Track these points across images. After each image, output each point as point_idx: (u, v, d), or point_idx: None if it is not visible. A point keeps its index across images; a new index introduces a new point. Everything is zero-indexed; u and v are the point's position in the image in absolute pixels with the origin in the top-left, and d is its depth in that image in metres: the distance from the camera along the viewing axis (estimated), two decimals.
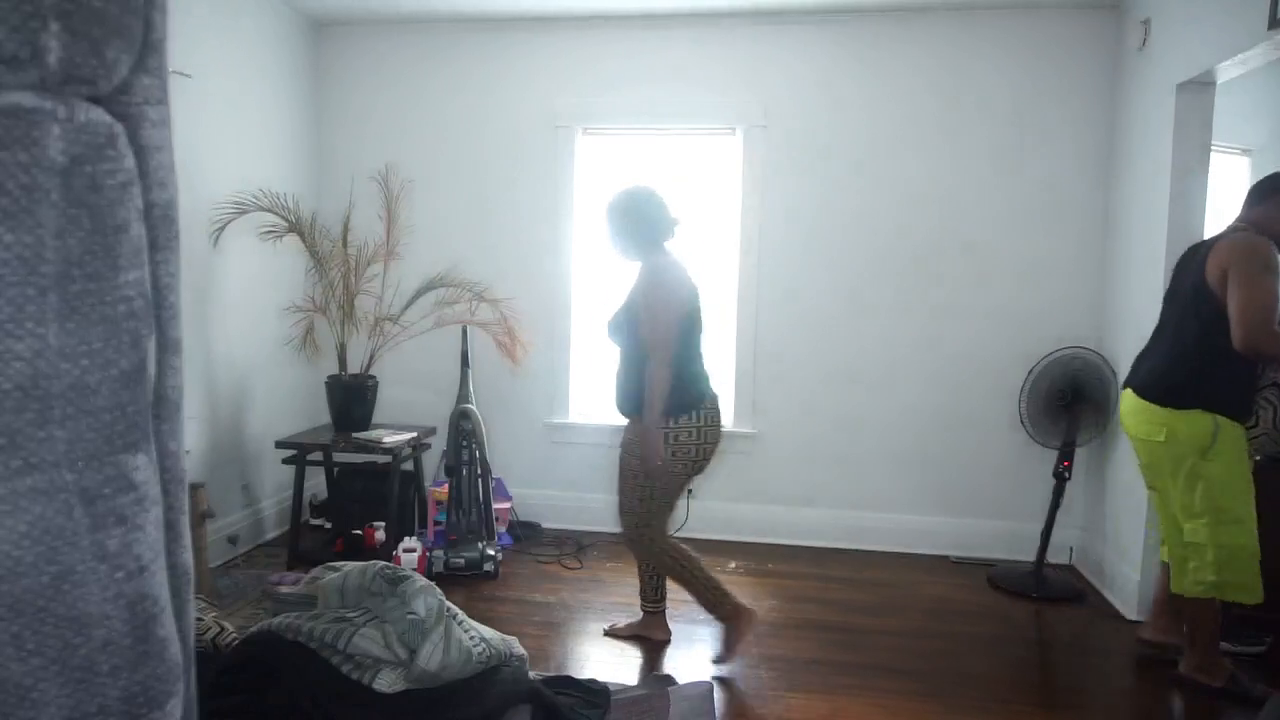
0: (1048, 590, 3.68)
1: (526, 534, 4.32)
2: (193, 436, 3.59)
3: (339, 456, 4.05)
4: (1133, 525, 3.50)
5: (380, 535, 3.96)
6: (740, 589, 3.71)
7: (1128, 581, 3.50)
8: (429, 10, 4.27)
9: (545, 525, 4.42)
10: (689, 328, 2.90)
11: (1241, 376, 2.70)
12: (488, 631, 1.80)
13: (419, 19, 4.38)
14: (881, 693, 2.80)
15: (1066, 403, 3.79)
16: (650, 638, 3.17)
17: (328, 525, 4.34)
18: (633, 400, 2.90)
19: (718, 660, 2.98)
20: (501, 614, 3.37)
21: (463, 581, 3.66)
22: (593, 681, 1.91)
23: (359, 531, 4.03)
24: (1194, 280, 2.74)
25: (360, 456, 3.97)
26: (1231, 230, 2.78)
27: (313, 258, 4.00)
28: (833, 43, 4.16)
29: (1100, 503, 3.89)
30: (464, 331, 4.11)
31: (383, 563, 1.85)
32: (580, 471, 4.47)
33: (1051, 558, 3.84)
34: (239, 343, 3.97)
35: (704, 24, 4.21)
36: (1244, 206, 2.81)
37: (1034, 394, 3.84)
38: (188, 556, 0.60)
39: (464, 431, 3.90)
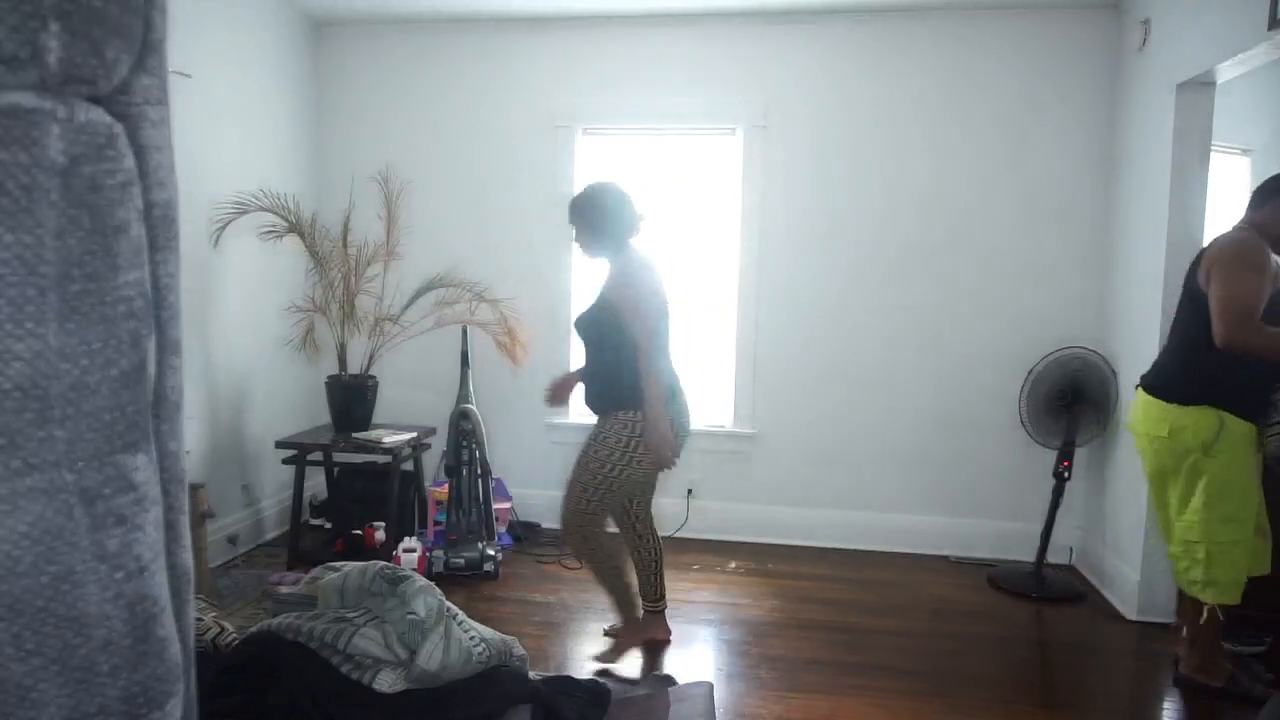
0: (1048, 590, 3.68)
1: (526, 534, 4.32)
2: (193, 436, 3.59)
3: (339, 456, 4.05)
4: (1133, 525, 3.50)
5: (380, 535, 3.96)
6: (740, 589, 3.72)
7: (1128, 581, 3.50)
8: (429, 10, 4.27)
9: (545, 525, 4.42)
10: (663, 325, 2.90)
11: (1252, 374, 2.68)
12: (488, 632, 1.79)
13: (419, 19, 4.38)
14: (881, 692, 2.80)
15: (1066, 403, 3.79)
16: (650, 637, 3.17)
17: (328, 525, 4.34)
18: (604, 397, 2.90)
19: (599, 658, 3.03)
20: (501, 614, 3.37)
21: (463, 581, 3.66)
22: (593, 681, 1.90)
23: (359, 531, 4.03)
24: (1192, 280, 2.76)
25: (360, 456, 3.97)
26: (1233, 230, 2.79)
27: (313, 258, 4.00)
28: (833, 42, 4.15)
29: (1100, 503, 3.89)
30: (464, 331, 4.11)
31: (383, 563, 1.85)
32: None
33: (1051, 558, 3.84)
34: (239, 343, 3.97)
35: (704, 24, 4.21)
36: (1247, 209, 2.81)
37: (1034, 394, 3.85)
38: (188, 556, 0.60)
39: (464, 431, 3.90)
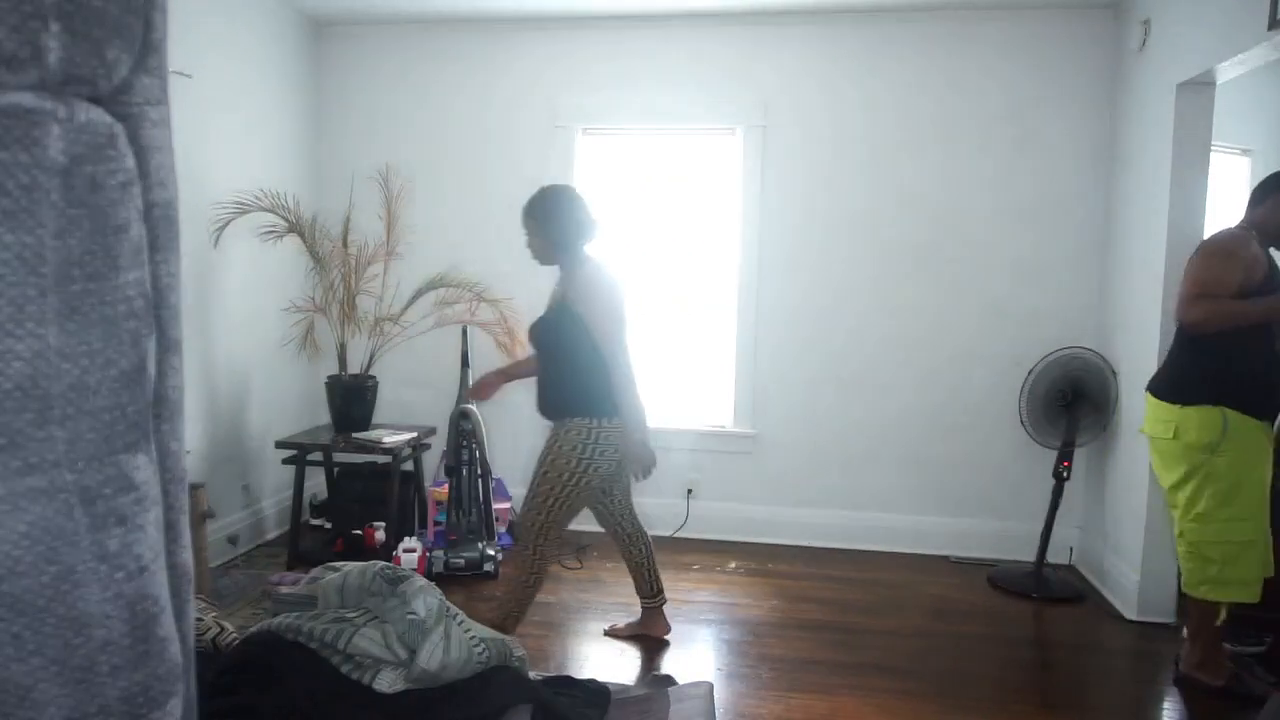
0: (1048, 590, 3.68)
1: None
2: (193, 436, 3.59)
3: (339, 456, 4.05)
4: (1133, 525, 3.50)
5: (380, 535, 3.96)
6: (740, 589, 3.72)
7: (1128, 581, 3.50)
8: (429, 10, 4.27)
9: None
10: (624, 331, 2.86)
11: (1254, 369, 2.68)
12: (488, 632, 1.79)
13: (419, 19, 4.38)
14: (881, 693, 2.80)
15: (1066, 403, 3.79)
16: (651, 634, 3.17)
17: (328, 525, 4.34)
18: (559, 404, 2.84)
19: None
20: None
21: (463, 581, 3.66)
22: (593, 681, 1.90)
23: (359, 531, 4.03)
24: None
25: (360, 456, 3.97)
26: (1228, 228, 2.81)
27: (313, 258, 4.00)
28: (833, 43, 4.16)
29: (1100, 503, 3.89)
30: (464, 331, 4.11)
31: (383, 563, 1.85)
32: None
33: (1051, 558, 3.84)
34: (239, 343, 3.97)
35: (704, 24, 4.21)
36: (1246, 207, 2.82)
37: (1034, 394, 3.85)
38: (188, 556, 0.60)
39: (464, 431, 3.90)
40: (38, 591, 0.48)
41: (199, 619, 1.82)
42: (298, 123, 4.41)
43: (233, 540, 3.92)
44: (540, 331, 2.91)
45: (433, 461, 4.42)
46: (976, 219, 4.12)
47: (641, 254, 4.43)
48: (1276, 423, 2.86)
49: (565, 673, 2.24)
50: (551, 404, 2.89)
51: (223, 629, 1.87)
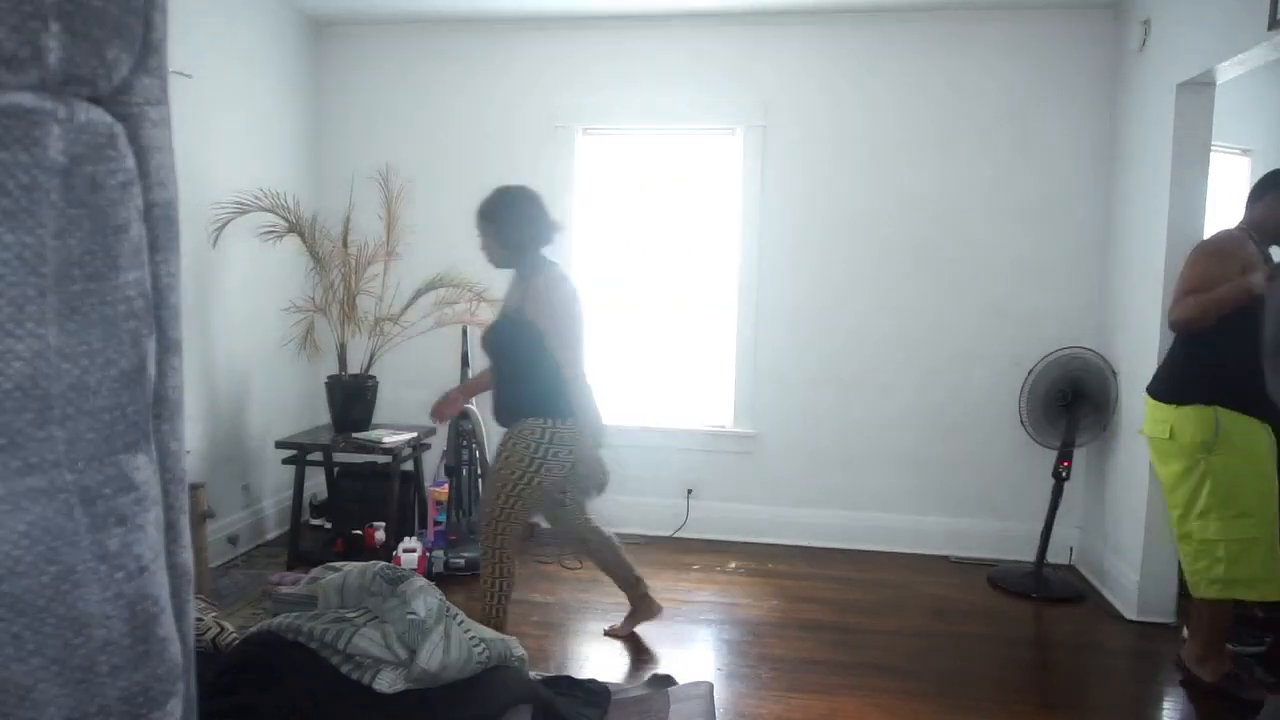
0: (1048, 590, 3.68)
1: (526, 534, 4.31)
2: (193, 436, 3.59)
3: (339, 456, 4.05)
4: (1133, 525, 3.50)
5: (380, 535, 3.96)
6: (740, 589, 3.72)
7: (1128, 581, 3.50)
8: (429, 10, 4.27)
9: (545, 525, 4.41)
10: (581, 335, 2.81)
11: (1247, 368, 2.68)
12: (488, 632, 1.79)
13: (419, 19, 4.38)
14: (881, 693, 2.80)
15: (1066, 403, 3.79)
16: (648, 620, 3.16)
17: (328, 525, 4.34)
18: (513, 408, 2.78)
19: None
20: (508, 616, 3.37)
21: (463, 581, 3.66)
22: (592, 681, 1.90)
23: (359, 531, 4.03)
24: None
25: (360, 456, 3.97)
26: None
27: (313, 258, 4.00)
28: (833, 43, 4.16)
29: (1100, 503, 3.89)
30: (464, 331, 4.11)
31: (383, 563, 1.85)
32: None
33: (1051, 558, 3.84)
34: (239, 343, 3.97)
35: (704, 24, 4.21)
36: (1245, 207, 2.83)
37: (1034, 394, 3.85)
38: (188, 556, 0.60)
39: (464, 431, 3.90)
40: (38, 591, 0.48)
41: (199, 619, 1.82)
42: (298, 123, 4.41)
43: (233, 540, 3.92)
44: (495, 337, 2.84)
45: (433, 461, 4.41)
46: (977, 219, 4.12)
47: (641, 254, 4.43)
48: None
49: (565, 673, 2.24)
50: (506, 408, 2.82)
51: (223, 629, 1.87)
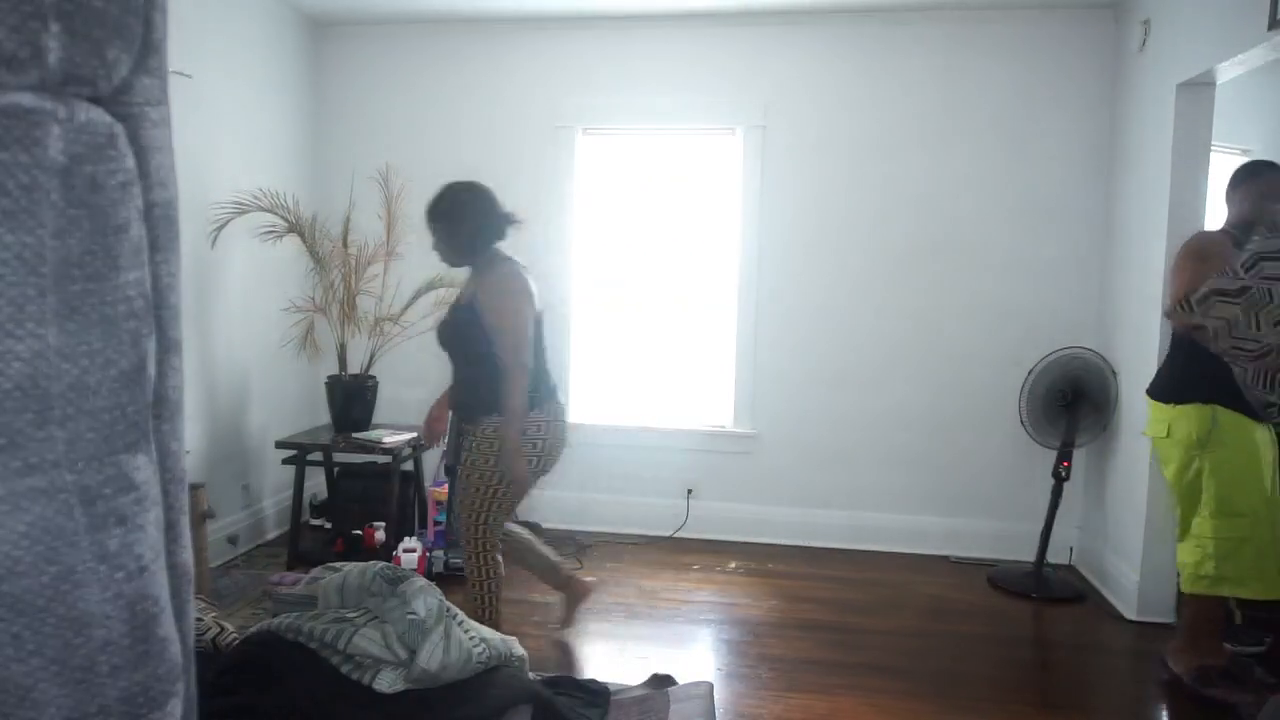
0: (1048, 590, 3.68)
1: (536, 532, 4.31)
2: (193, 436, 3.59)
3: (339, 456, 4.05)
4: (1133, 525, 3.50)
5: (380, 535, 3.96)
6: (740, 589, 3.72)
7: (1128, 581, 3.50)
8: (429, 10, 4.27)
9: (545, 525, 4.42)
10: (535, 330, 2.74)
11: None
12: (488, 632, 1.80)
13: (419, 19, 4.38)
14: (881, 693, 2.80)
15: (1066, 403, 3.79)
16: (584, 599, 3.20)
17: (328, 525, 4.34)
18: (475, 405, 2.73)
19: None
20: (502, 614, 3.37)
21: (462, 582, 3.65)
22: (592, 681, 1.90)
23: (359, 532, 4.03)
24: None
25: (360, 456, 3.97)
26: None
27: (313, 258, 4.00)
28: (833, 43, 4.16)
29: (1100, 503, 3.89)
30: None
31: (382, 563, 1.85)
32: (580, 472, 4.47)
33: (1051, 558, 3.84)
34: (239, 343, 3.97)
35: (704, 24, 4.21)
36: (1225, 205, 2.87)
37: (1034, 394, 3.85)
38: (188, 556, 0.60)
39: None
40: (38, 591, 0.48)
41: (199, 619, 1.82)
42: (298, 123, 4.41)
43: (233, 540, 3.92)
44: (449, 333, 2.77)
45: (433, 461, 4.41)
46: (976, 219, 4.12)
47: (642, 254, 4.43)
48: None
49: (565, 673, 2.25)
50: (467, 405, 2.77)
51: (223, 629, 1.87)
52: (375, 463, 4.09)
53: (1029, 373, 3.86)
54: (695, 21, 4.21)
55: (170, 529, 0.58)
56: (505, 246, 2.81)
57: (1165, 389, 2.85)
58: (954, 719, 2.67)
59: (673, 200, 4.39)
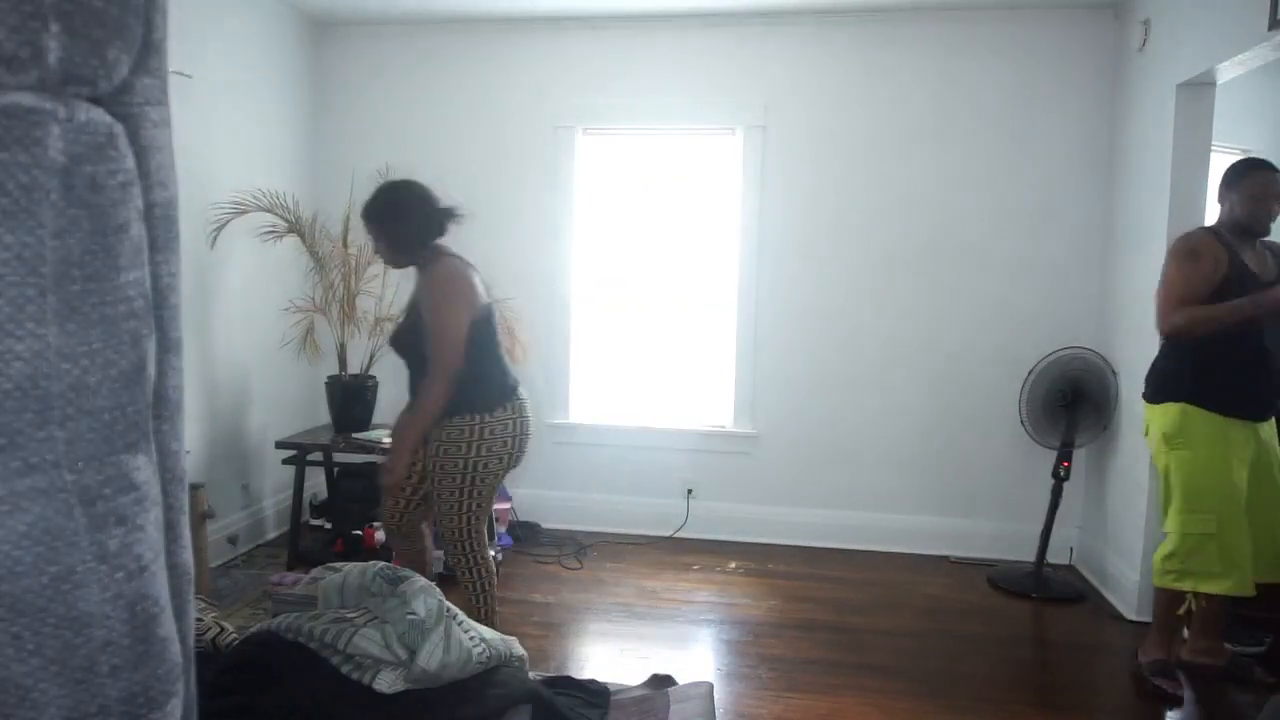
0: (1048, 590, 3.68)
1: (526, 534, 4.32)
2: (193, 436, 3.59)
3: (339, 456, 4.04)
4: (1133, 525, 3.50)
5: (380, 535, 3.95)
6: (740, 589, 3.72)
7: (1128, 581, 3.50)
8: (429, 10, 4.27)
9: (545, 525, 4.42)
10: (486, 325, 2.66)
11: (1228, 370, 2.71)
12: (488, 632, 1.80)
13: (419, 19, 4.38)
14: (881, 693, 2.80)
15: (1066, 403, 3.79)
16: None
17: (328, 525, 4.33)
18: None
19: None
20: (502, 614, 3.37)
21: None
22: (592, 682, 1.90)
23: (359, 532, 4.03)
24: None
25: (360, 457, 3.96)
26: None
27: (313, 258, 4.00)
28: (832, 43, 4.16)
29: (1101, 503, 3.89)
30: None
31: (383, 563, 1.85)
32: (580, 472, 4.47)
33: (1051, 558, 3.84)
34: (239, 343, 3.97)
35: (703, 24, 4.21)
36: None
37: (1033, 394, 3.85)
38: (188, 556, 0.60)
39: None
40: (38, 591, 0.48)
41: (199, 619, 1.82)
42: (297, 123, 4.41)
43: (233, 540, 3.92)
44: (403, 338, 2.72)
45: None
46: (976, 219, 4.12)
47: (642, 254, 4.43)
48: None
49: (565, 673, 2.24)
50: None
51: (223, 629, 1.87)
52: (375, 463, 4.08)
53: (1029, 373, 3.86)
54: (695, 21, 4.21)
55: (170, 529, 0.58)
56: (451, 241, 2.71)
57: (1151, 389, 2.91)
58: (954, 719, 2.67)
59: (673, 200, 4.39)
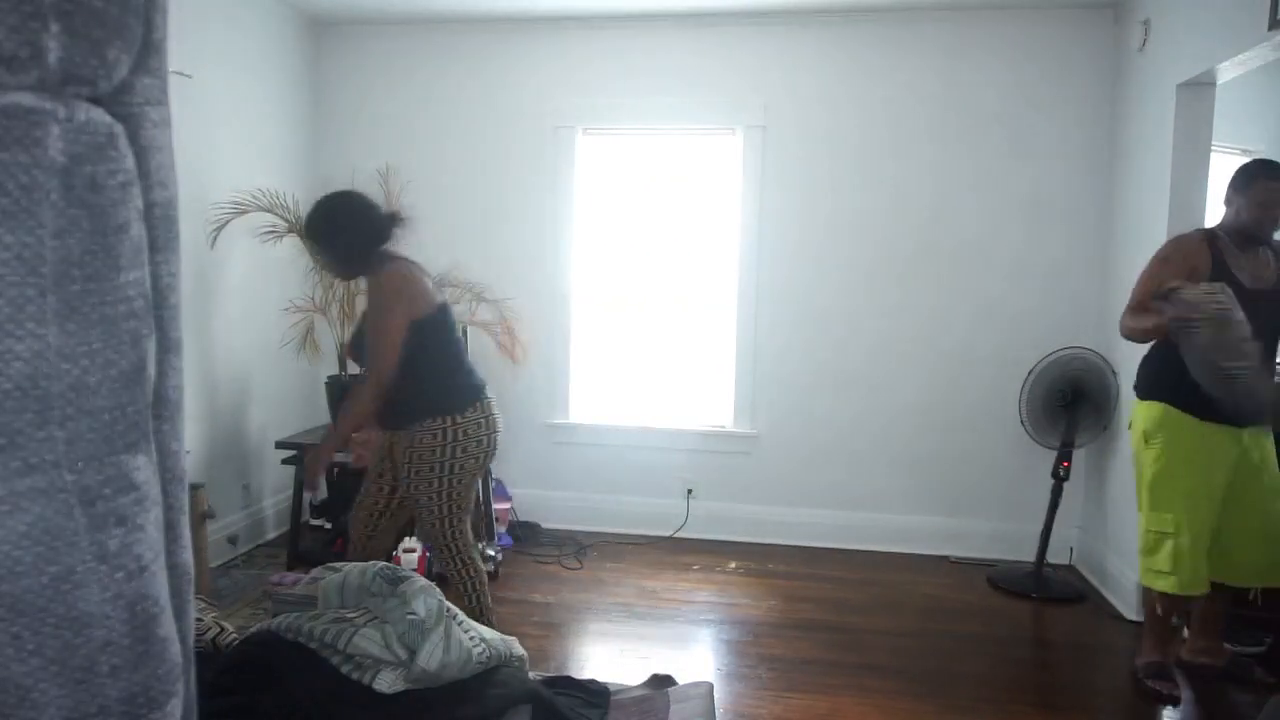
0: (1048, 590, 3.68)
1: (526, 534, 4.32)
2: (193, 436, 3.59)
3: (339, 456, 4.03)
4: (1133, 525, 3.49)
5: None
6: (740, 589, 3.72)
7: (1128, 581, 3.50)
8: (429, 10, 4.27)
9: (545, 525, 4.42)
10: (439, 325, 2.64)
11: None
12: (488, 632, 1.80)
13: (419, 19, 4.38)
14: (881, 693, 2.80)
15: (1066, 403, 3.79)
16: None
17: (328, 525, 4.33)
18: (407, 413, 2.63)
19: None
20: (501, 614, 3.37)
21: None
22: (592, 681, 1.90)
23: None
24: None
25: None
26: None
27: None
28: (833, 43, 4.16)
29: (1100, 503, 3.89)
30: (464, 332, 4.10)
31: (383, 563, 1.85)
32: (580, 472, 4.47)
33: (1051, 558, 3.84)
34: (239, 343, 3.97)
35: (704, 24, 4.21)
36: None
37: (1034, 394, 3.84)
38: (188, 556, 0.60)
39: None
40: (38, 591, 0.48)
41: (199, 619, 1.82)
42: (297, 122, 4.41)
43: (233, 540, 3.92)
44: (358, 343, 2.70)
45: None
46: (976, 219, 4.12)
47: (642, 254, 4.43)
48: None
49: (565, 673, 2.24)
50: (396, 415, 2.67)
51: (223, 629, 1.87)
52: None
53: (1029, 373, 3.86)
54: (695, 21, 4.21)
55: (170, 529, 0.58)
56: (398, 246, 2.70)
57: (1136, 384, 2.95)
58: (953, 719, 2.67)
59: (673, 200, 4.39)
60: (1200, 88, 3.25)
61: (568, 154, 4.38)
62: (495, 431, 2.74)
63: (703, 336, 4.41)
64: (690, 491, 4.39)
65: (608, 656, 3.11)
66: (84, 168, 0.48)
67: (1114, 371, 3.77)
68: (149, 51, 0.54)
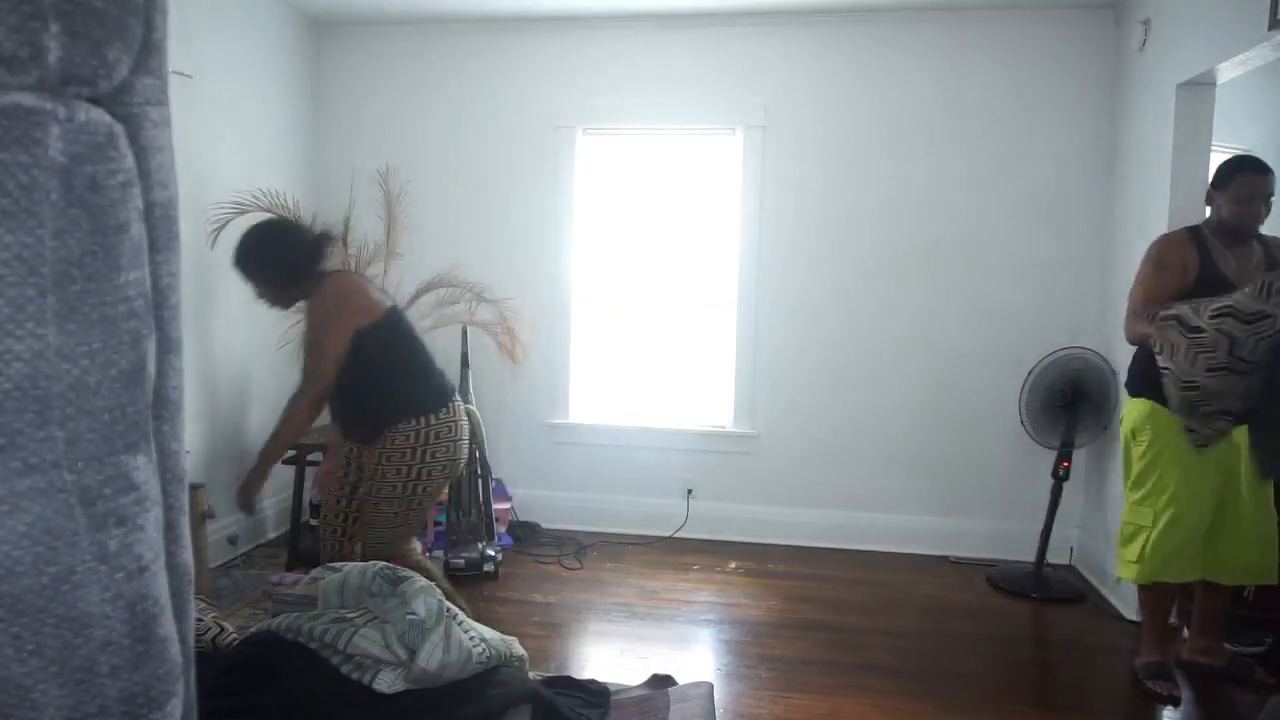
0: (1048, 590, 3.68)
1: (526, 534, 4.32)
2: (193, 436, 3.59)
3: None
4: None
5: None
6: (740, 589, 3.72)
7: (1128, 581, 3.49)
8: (429, 10, 4.27)
9: (545, 525, 4.42)
10: (393, 328, 2.60)
11: None
12: (488, 632, 1.80)
13: (419, 19, 4.38)
14: (881, 693, 2.80)
15: (1066, 403, 3.79)
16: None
17: None
18: (372, 424, 2.60)
19: None
20: (501, 614, 3.37)
21: (463, 582, 3.66)
22: (592, 682, 1.90)
23: None
24: None
25: None
26: None
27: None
28: (833, 43, 4.16)
29: (1101, 503, 3.89)
30: (464, 332, 4.11)
31: (382, 563, 1.85)
32: (580, 471, 4.47)
33: (1051, 558, 3.84)
34: (239, 343, 3.97)
35: (704, 24, 4.21)
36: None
37: (1033, 394, 3.84)
38: (188, 556, 0.60)
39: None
40: (38, 591, 0.48)
41: (199, 619, 1.82)
42: (297, 123, 4.41)
43: (233, 540, 3.92)
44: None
45: None
46: (976, 219, 4.12)
47: (642, 254, 4.43)
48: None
49: (565, 673, 2.24)
50: (361, 428, 2.65)
51: (223, 629, 1.87)
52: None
53: (1029, 373, 3.86)
54: (695, 21, 4.21)
55: (170, 529, 0.58)
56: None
57: (1127, 380, 2.97)
58: (953, 719, 2.67)
59: (673, 200, 4.39)
60: (1200, 88, 3.25)
61: (568, 154, 4.38)
62: (462, 439, 2.66)
63: (702, 336, 4.41)
64: (690, 491, 4.39)
65: (608, 656, 3.11)
66: (84, 168, 0.48)
67: (1114, 371, 3.77)
68: (149, 51, 0.54)
